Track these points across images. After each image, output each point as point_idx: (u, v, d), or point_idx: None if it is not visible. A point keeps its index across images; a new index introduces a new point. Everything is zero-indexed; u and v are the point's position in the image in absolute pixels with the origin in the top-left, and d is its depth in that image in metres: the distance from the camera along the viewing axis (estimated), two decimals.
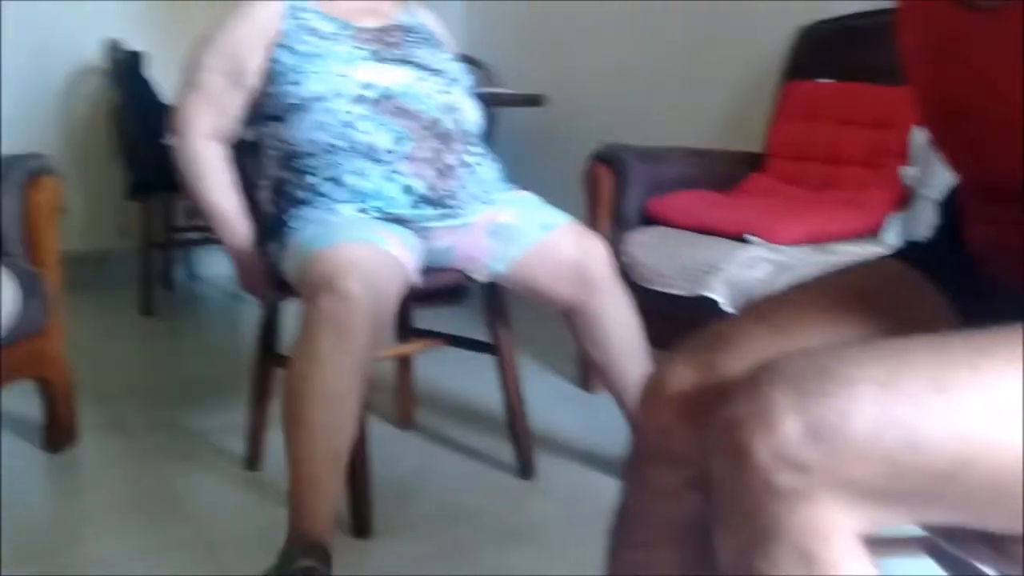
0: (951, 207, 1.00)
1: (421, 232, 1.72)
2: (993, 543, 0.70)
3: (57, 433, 2.11)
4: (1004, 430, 0.64)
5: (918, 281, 0.95)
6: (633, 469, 0.97)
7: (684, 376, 0.90)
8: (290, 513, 1.46)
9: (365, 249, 1.56)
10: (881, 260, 1.01)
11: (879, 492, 0.65)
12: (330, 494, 1.47)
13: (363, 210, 1.68)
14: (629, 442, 0.99)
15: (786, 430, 0.65)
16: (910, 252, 1.01)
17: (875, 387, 0.64)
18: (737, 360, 0.87)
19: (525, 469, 1.98)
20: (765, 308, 0.95)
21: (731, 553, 0.70)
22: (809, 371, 0.66)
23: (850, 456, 0.64)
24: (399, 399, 2.26)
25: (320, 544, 1.42)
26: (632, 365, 1.81)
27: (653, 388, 0.92)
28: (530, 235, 1.77)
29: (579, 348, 1.84)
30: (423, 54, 1.83)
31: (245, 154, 1.89)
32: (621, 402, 1.84)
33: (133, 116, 3.29)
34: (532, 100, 3.35)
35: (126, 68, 3.40)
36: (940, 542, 0.76)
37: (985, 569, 1.04)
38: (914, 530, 0.95)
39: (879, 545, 1.19)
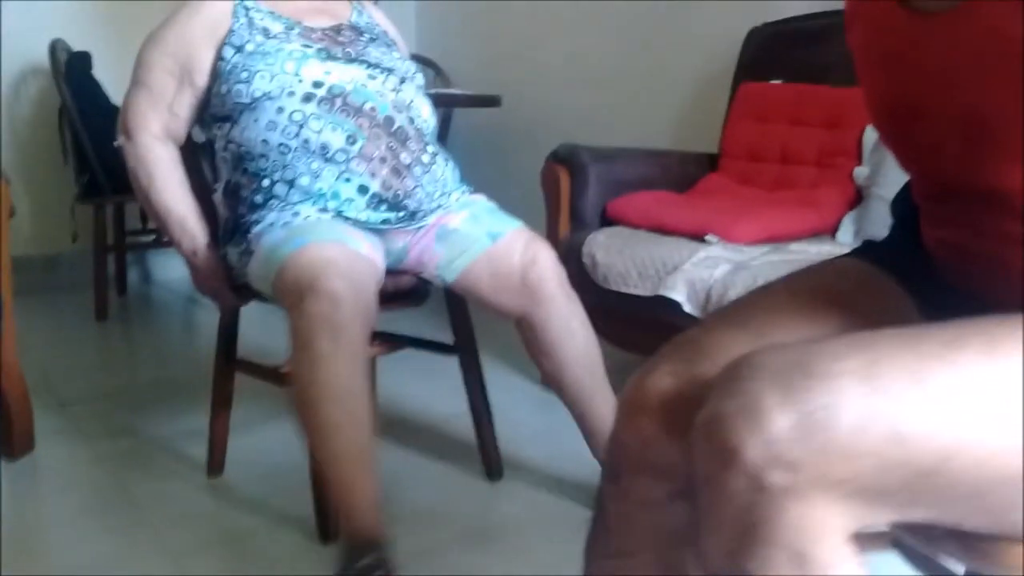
0: (903, 206, 1.02)
1: (379, 232, 1.72)
2: (963, 540, 0.71)
3: (13, 440, 2.07)
4: (981, 425, 0.65)
5: (882, 280, 0.97)
6: (613, 481, 0.94)
7: (662, 387, 0.88)
8: (337, 515, 1.50)
9: (338, 248, 1.56)
10: (844, 259, 1.02)
11: (866, 489, 0.65)
12: (368, 487, 1.48)
13: (323, 210, 1.67)
14: (605, 454, 0.97)
15: (775, 427, 0.64)
16: (871, 251, 1.02)
17: (856, 380, 0.64)
18: (714, 367, 0.85)
19: (491, 471, 1.99)
20: (736, 313, 0.95)
21: (719, 556, 0.69)
22: (790, 366, 0.66)
23: (838, 452, 0.63)
24: None
25: (374, 538, 1.44)
26: (584, 375, 1.77)
27: (632, 400, 0.91)
28: (477, 244, 1.75)
29: (530, 357, 1.81)
30: (374, 53, 1.82)
31: (196, 156, 1.87)
32: (574, 413, 1.80)
33: (82, 117, 3.23)
34: (487, 101, 3.35)
35: (73, 69, 3.34)
36: (906, 538, 0.78)
37: (950, 566, 1.07)
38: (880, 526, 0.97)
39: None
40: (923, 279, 0.94)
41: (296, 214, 1.66)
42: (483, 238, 1.75)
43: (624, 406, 0.92)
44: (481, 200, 1.86)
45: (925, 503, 0.68)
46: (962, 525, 0.70)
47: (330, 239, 1.58)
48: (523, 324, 1.78)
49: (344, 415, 1.47)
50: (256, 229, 1.68)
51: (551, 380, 1.81)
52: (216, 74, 1.74)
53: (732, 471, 0.65)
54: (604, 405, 1.76)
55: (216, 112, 1.75)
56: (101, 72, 3.44)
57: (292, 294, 1.50)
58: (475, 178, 1.96)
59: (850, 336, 0.70)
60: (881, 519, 0.68)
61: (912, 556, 1.15)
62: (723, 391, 0.68)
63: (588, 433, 1.79)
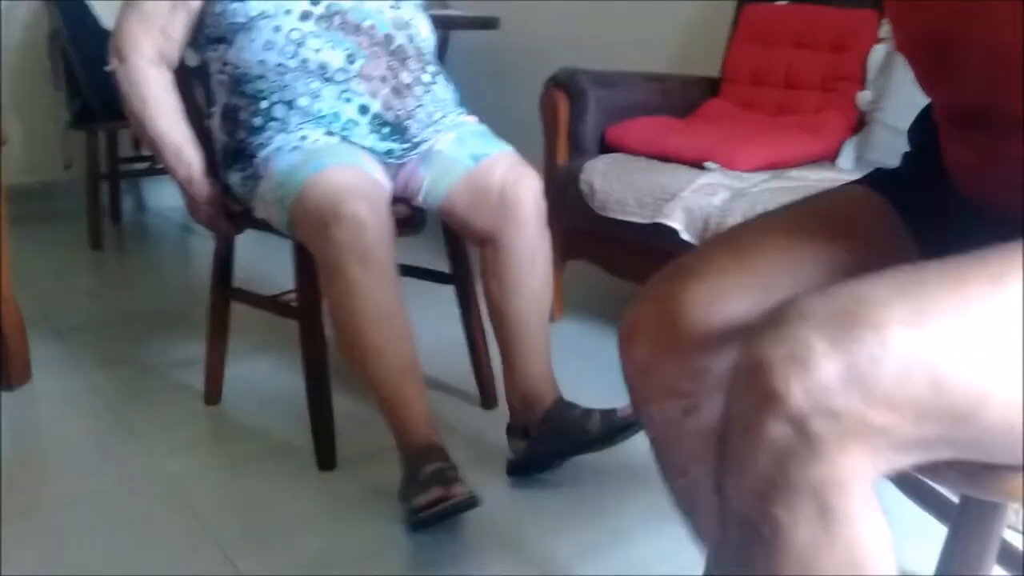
0: (920, 132, 1.00)
1: (379, 159, 1.70)
2: (963, 469, 0.71)
3: (11, 370, 2.07)
4: (1015, 366, 0.64)
5: (882, 207, 0.96)
6: (636, 412, 0.98)
7: (651, 314, 0.90)
8: (393, 432, 1.54)
9: (356, 173, 1.56)
10: (846, 188, 1.01)
11: (902, 437, 0.65)
12: (419, 400, 1.54)
13: (330, 132, 1.65)
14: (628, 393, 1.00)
15: (822, 375, 0.63)
16: (876, 179, 1.01)
17: (903, 329, 0.64)
18: (704, 294, 0.87)
19: (487, 399, 1.99)
20: (728, 234, 0.96)
21: (746, 497, 0.69)
22: (839, 313, 0.65)
23: (880, 401, 0.63)
24: None
25: (433, 446, 1.50)
26: (529, 313, 1.72)
27: (626, 333, 0.93)
28: (459, 166, 1.71)
29: (481, 280, 1.75)
30: None
31: (190, 81, 1.83)
32: (503, 347, 1.75)
33: (72, 42, 3.17)
34: (485, 23, 3.28)
35: None
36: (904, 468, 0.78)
37: (938, 487, 1.07)
38: None
39: None
40: (929, 214, 0.93)
41: (304, 137, 1.63)
42: (466, 160, 1.72)
43: (621, 340, 0.94)
44: (471, 122, 1.82)
45: (955, 446, 0.67)
46: (979, 461, 0.70)
47: (348, 162, 1.57)
48: (488, 244, 1.72)
49: (386, 337, 1.51)
50: (263, 153, 1.65)
51: (494, 306, 1.74)
52: None
53: (773, 416, 0.65)
54: (537, 348, 1.72)
55: (211, 33, 1.71)
56: None
57: (314, 221, 1.50)
58: (472, 103, 1.93)
59: (895, 277, 0.68)
60: (909, 462, 0.68)
61: (907, 484, 1.15)
62: (769, 336, 0.67)
63: (510, 370, 1.74)
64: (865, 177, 1.02)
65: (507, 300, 1.72)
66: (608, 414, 1.60)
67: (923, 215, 0.94)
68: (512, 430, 1.73)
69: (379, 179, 1.62)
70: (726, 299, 0.88)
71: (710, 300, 0.88)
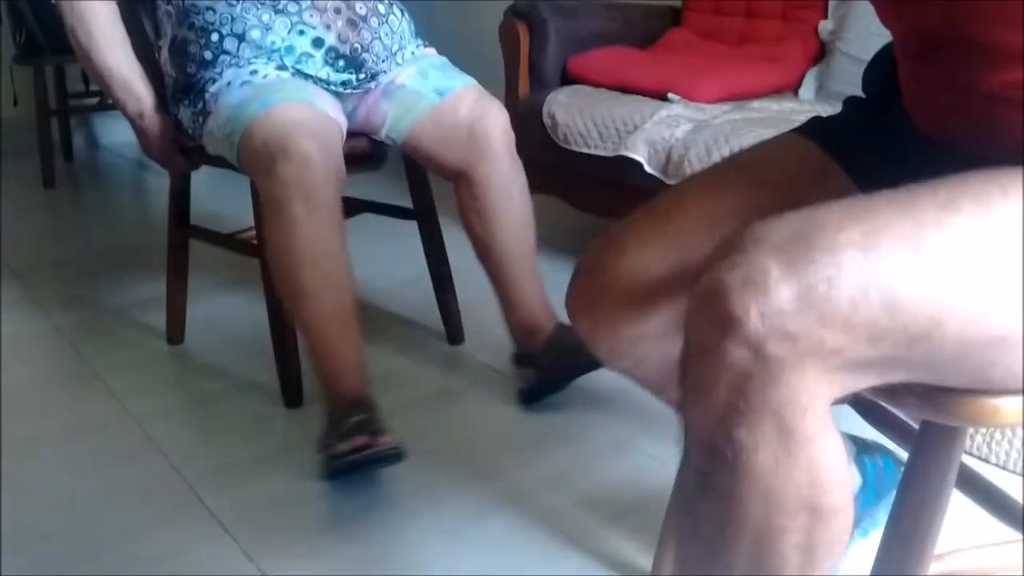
0: (878, 75, 0.99)
1: (335, 93, 1.66)
2: (922, 394, 0.72)
3: None
4: (971, 287, 0.66)
5: (813, 153, 0.96)
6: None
7: (585, 290, 0.97)
8: (320, 379, 1.50)
9: (306, 109, 1.52)
10: (777, 137, 1.02)
11: (857, 358, 0.66)
12: (352, 349, 1.50)
13: (282, 67, 1.61)
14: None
15: (778, 298, 0.64)
16: (810, 129, 1.01)
17: (856, 251, 0.64)
18: (625, 258, 0.94)
19: (453, 334, 2.00)
20: (652, 203, 0.99)
21: (707, 423, 0.70)
22: (793, 238, 0.66)
23: (836, 322, 0.64)
24: None
25: (361, 397, 1.46)
26: (514, 244, 1.72)
27: (569, 307, 1.00)
28: (423, 101, 1.69)
29: (461, 218, 1.74)
30: None
31: (136, 12, 1.78)
32: (496, 282, 1.75)
33: None
34: None
35: None
36: (863, 393, 0.79)
37: (900, 414, 1.09)
38: None
39: None
40: (874, 159, 0.93)
41: (255, 72, 1.59)
42: (430, 94, 1.69)
43: (568, 313, 1.01)
44: (432, 55, 1.79)
45: (909, 368, 0.69)
46: (937, 384, 0.71)
47: (297, 98, 1.54)
48: (461, 181, 1.71)
49: (322, 279, 1.47)
50: (212, 88, 1.61)
51: (478, 244, 1.74)
52: None
53: (732, 340, 0.65)
54: (528, 279, 1.73)
55: None
56: None
57: (262, 157, 1.47)
58: (430, 34, 1.89)
59: (848, 204, 0.69)
60: (864, 384, 0.69)
61: (867, 410, 1.18)
62: (724, 263, 0.67)
63: (507, 304, 1.74)
64: (799, 127, 1.02)
65: (490, 235, 1.71)
66: None
67: (866, 161, 0.93)
68: (519, 360, 1.74)
69: (332, 115, 1.58)
70: (649, 268, 0.93)
71: (633, 271, 0.93)
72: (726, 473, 0.69)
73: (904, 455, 0.90)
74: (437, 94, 1.69)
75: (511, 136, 1.71)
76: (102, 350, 1.97)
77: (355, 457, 1.37)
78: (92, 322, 2.12)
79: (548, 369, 1.68)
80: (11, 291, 2.28)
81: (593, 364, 1.62)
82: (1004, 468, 1.47)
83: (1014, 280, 0.66)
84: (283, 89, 1.55)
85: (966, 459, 1.37)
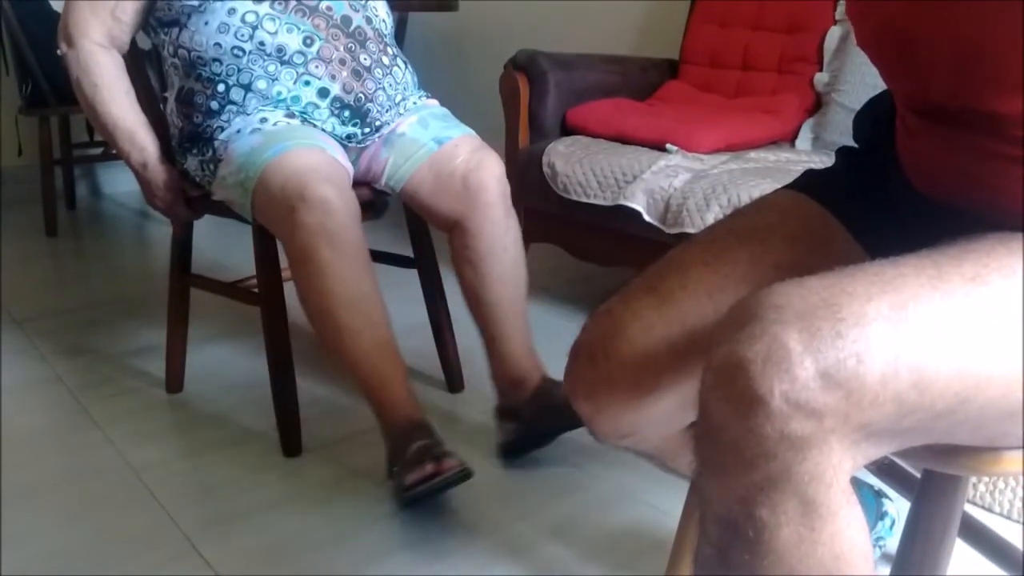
0: (870, 125, 1.00)
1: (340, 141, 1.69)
2: (937, 451, 0.72)
3: None
4: (998, 366, 0.65)
5: (812, 211, 0.95)
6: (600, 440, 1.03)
7: (585, 377, 0.95)
8: (376, 412, 1.53)
9: (319, 155, 1.55)
10: (773, 195, 1.00)
11: (883, 433, 0.64)
12: (401, 378, 1.54)
13: (290, 115, 1.63)
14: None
15: (802, 375, 0.61)
16: (806, 183, 1.00)
17: (885, 325, 0.62)
18: (628, 346, 0.91)
19: (453, 383, 2.00)
20: (652, 277, 0.95)
21: (727, 501, 0.67)
22: (817, 307, 0.63)
23: (863, 400, 0.62)
24: None
25: (418, 422, 1.49)
26: (505, 296, 1.71)
27: (568, 390, 0.98)
28: (422, 149, 1.71)
29: (454, 268, 1.74)
30: None
31: (142, 64, 1.80)
32: (485, 334, 1.74)
33: (21, 24, 3.10)
34: (443, 5, 3.26)
35: None
36: None
37: (901, 462, 1.09)
38: None
39: None
40: (870, 212, 0.92)
41: (264, 119, 1.62)
42: (429, 143, 1.71)
43: (567, 395, 0.99)
44: (433, 105, 1.82)
45: (929, 437, 0.68)
46: (947, 444, 0.71)
47: (309, 144, 1.56)
48: (455, 230, 1.71)
49: (361, 318, 1.50)
50: (222, 136, 1.63)
51: (470, 294, 1.74)
52: None
53: (755, 418, 0.62)
54: (517, 330, 1.72)
55: (162, 17, 1.68)
56: None
57: (280, 203, 1.49)
58: (432, 86, 1.92)
59: (873, 272, 0.67)
60: (885, 452, 0.68)
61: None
62: (742, 333, 0.64)
63: (494, 355, 1.73)
64: (794, 183, 1.01)
65: (482, 286, 1.71)
66: None
67: (863, 214, 0.93)
68: (501, 413, 1.72)
69: (341, 161, 1.61)
70: (652, 351, 0.91)
71: (637, 356, 0.91)
72: (748, 551, 0.67)
73: (884, 488, 0.90)
74: (436, 143, 1.71)
75: (506, 187, 1.72)
76: (101, 398, 1.97)
77: (424, 487, 1.40)
78: (92, 370, 2.12)
79: (531, 423, 1.66)
80: (11, 339, 2.28)
81: (578, 422, 1.61)
82: (1008, 518, 1.46)
83: None
84: (295, 135, 1.58)
85: (969, 508, 1.36)
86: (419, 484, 1.39)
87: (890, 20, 0.79)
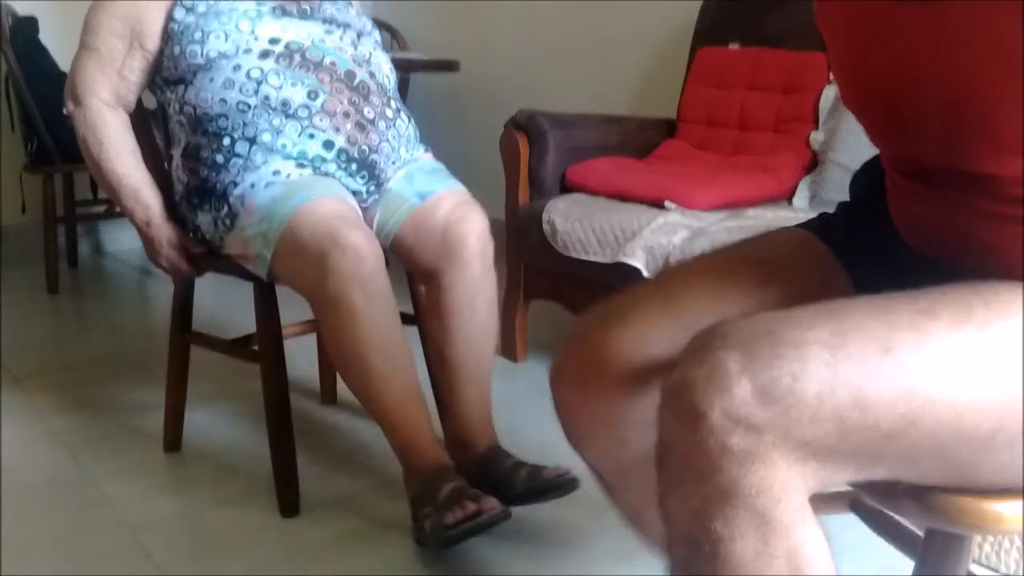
0: (862, 182, 1.02)
1: None
2: (920, 499, 0.72)
3: None
4: (946, 390, 0.67)
5: (819, 252, 0.97)
6: (573, 446, 1.00)
7: (578, 357, 0.94)
8: (402, 458, 1.55)
9: (341, 203, 1.58)
10: (786, 231, 1.02)
11: (828, 451, 0.67)
12: (425, 423, 1.56)
13: (301, 165, 1.65)
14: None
15: (738, 392, 0.66)
16: (818, 224, 1.02)
17: (824, 349, 0.66)
18: (631, 337, 0.91)
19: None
20: (658, 279, 0.98)
21: (684, 516, 0.71)
22: (758, 335, 0.68)
23: (802, 416, 0.65)
24: (321, 375, 2.23)
25: (447, 466, 1.51)
26: (468, 358, 1.68)
27: (555, 375, 0.97)
28: (406, 204, 1.72)
29: (421, 321, 1.73)
30: (329, 9, 1.79)
31: (147, 123, 1.83)
32: (439, 391, 1.73)
33: (28, 84, 3.15)
34: (445, 66, 3.31)
35: (19, 34, 3.24)
36: (863, 497, 0.79)
37: (906, 523, 1.08)
38: (839, 487, 0.98)
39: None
40: (869, 262, 0.94)
41: (277, 172, 1.63)
42: (412, 198, 1.73)
43: (551, 381, 0.98)
44: (425, 159, 1.83)
45: (887, 463, 0.69)
46: (923, 482, 0.72)
47: (332, 194, 1.59)
48: (431, 283, 1.71)
49: (390, 364, 1.52)
50: (236, 191, 1.64)
51: (432, 346, 1.72)
52: (167, 36, 1.69)
53: (698, 433, 0.67)
54: (474, 393, 1.68)
55: (168, 75, 1.71)
56: (48, 37, 3.34)
57: (311, 250, 1.51)
58: (433, 144, 1.94)
59: (820, 306, 0.71)
60: (842, 478, 0.70)
61: (871, 518, 1.16)
62: (692, 359, 0.69)
63: (446, 411, 1.72)
64: (809, 221, 1.03)
65: (445, 342, 1.69)
66: (536, 471, 1.57)
67: (864, 263, 0.95)
68: (460, 470, 1.65)
69: (357, 209, 1.64)
70: (650, 343, 0.91)
71: (634, 344, 0.91)
72: (707, 565, 0.70)
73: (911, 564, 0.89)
74: (419, 197, 1.72)
75: (488, 244, 1.70)
76: (99, 456, 1.95)
77: (469, 525, 1.39)
78: (90, 427, 2.11)
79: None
80: (10, 396, 2.27)
81: (510, 500, 1.53)
82: None
83: (994, 385, 0.67)
84: (315, 186, 1.60)
85: (975, 568, 1.34)
86: (463, 522, 1.39)
87: (877, 81, 0.81)
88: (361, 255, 1.49)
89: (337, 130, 1.67)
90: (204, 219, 1.70)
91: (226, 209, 1.65)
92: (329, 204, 1.56)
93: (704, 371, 0.67)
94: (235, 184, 1.64)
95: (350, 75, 1.71)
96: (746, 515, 0.67)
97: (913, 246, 0.89)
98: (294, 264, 1.56)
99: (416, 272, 1.76)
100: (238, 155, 1.65)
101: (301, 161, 1.65)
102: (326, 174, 1.66)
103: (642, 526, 1.07)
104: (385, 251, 1.77)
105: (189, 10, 1.67)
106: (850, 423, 0.65)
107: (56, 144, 3.17)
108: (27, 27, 3.28)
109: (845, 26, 0.84)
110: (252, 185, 1.63)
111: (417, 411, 1.55)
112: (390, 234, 1.73)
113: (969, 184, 0.77)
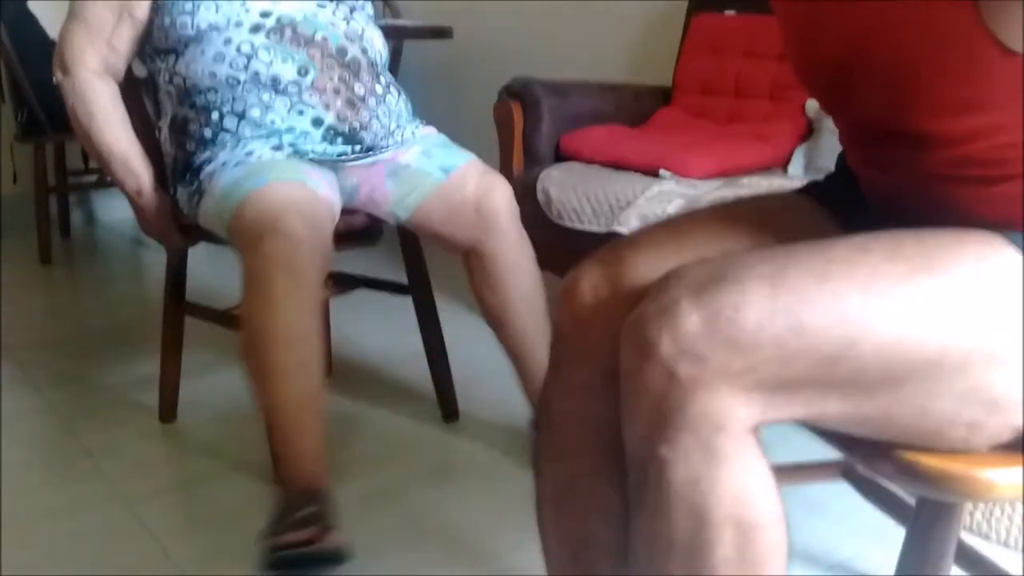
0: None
1: (334, 166, 1.69)
2: (901, 463, 0.74)
3: None
4: (882, 313, 0.71)
5: (815, 210, 1.02)
6: (555, 373, 1.00)
7: (595, 276, 0.96)
8: (277, 463, 1.46)
9: (297, 189, 1.53)
10: (782, 192, 1.08)
11: (773, 380, 0.71)
12: (315, 435, 1.46)
13: (278, 147, 1.63)
14: (549, 348, 1.02)
15: (686, 324, 0.71)
16: (809, 188, 1.07)
17: (763, 282, 0.71)
18: (643, 260, 0.94)
19: (448, 411, 1.99)
20: (672, 221, 1.03)
21: (635, 442, 0.76)
22: (709, 274, 0.73)
23: (742, 344, 0.70)
24: None
25: (316, 488, 1.42)
26: (527, 314, 1.74)
27: (568, 288, 0.98)
28: (430, 179, 1.72)
29: (473, 291, 1.77)
30: None
31: (138, 92, 1.81)
32: (511, 353, 1.77)
33: (18, 53, 3.12)
34: (438, 32, 3.28)
35: (9, 3, 3.21)
36: (854, 463, 0.81)
37: (898, 491, 1.09)
38: (831, 454, 0.99)
39: (798, 472, 1.24)
40: (855, 214, 0.98)
41: (250, 153, 1.61)
42: (436, 172, 1.73)
43: (562, 295, 0.99)
44: (432, 134, 1.82)
45: (839, 394, 0.73)
46: (889, 426, 0.73)
47: (288, 178, 1.55)
48: (472, 255, 1.74)
49: (296, 361, 1.44)
50: (208, 169, 1.63)
51: (492, 317, 1.77)
52: (158, 6, 1.67)
53: (648, 363, 0.73)
54: (543, 348, 1.67)
55: (158, 45, 1.69)
56: (37, 6, 3.30)
57: (250, 233, 1.46)
58: (427, 113, 1.93)
59: (767, 249, 0.77)
60: (794, 411, 0.74)
61: (863, 486, 1.17)
62: (649, 298, 0.76)
63: (524, 376, 1.76)
64: (802, 188, 1.07)
65: (504, 307, 1.74)
66: None
67: (853, 216, 0.98)
68: (536, 425, 1.72)
69: (323, 193, 1.59)
70: (661, 266, 0.92)
71: (647, 265, 0.94)
72: (653, 488, 0.74)
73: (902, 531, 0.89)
74: (443, 172, 1.73)
75: (516, 208, 1.75)
76: (95, 429, 1.96)
77: (295, 552, 1.30)
78: (85, 400, 2.11)
79: None
80: (5, 368, 2.27)
81: None
82: (1005, 545, 1.46)
83: (931, 310, 0.71)
84: (275, 169, 1.57)
85: (966, 536, 1.35)
86: (294, 547, 1.31)
87: (824, 49, 0.85)
88: (295, 243, 1.43)
89: (327, 107, 1.65)
90: (182, 193, 1.70)
91: (196, 185, 1.64)
92: (280, 189, 1.51)
93: (657, 306, 0.73)
94: (209, 161, 1.63)
95: (342, 51, 1.70)
96: (690, 440, 0.71)
97: (878, 206, 0.93)
98: (239, 246, 1.52)
99: (447, 246, 1.77)
100: (226, 130, 1.64)
101: (284, 140, 1.63)
102: (307, 147, 1.64)
103: (546, 511, 1.06)
104: (399, 223, 1.78)
105: None
106: (789, 348, 0.70)
107: (47, 114, 3.14)
108: None
109: (788, 3, 0.88)
110: (224, 164, 1.61)
111: (309, 418, 1.45)
112: (412, 207, 1.73)
113: (913, 143, 0.81)
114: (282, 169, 1.58)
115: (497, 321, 1.77)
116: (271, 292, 1.43)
